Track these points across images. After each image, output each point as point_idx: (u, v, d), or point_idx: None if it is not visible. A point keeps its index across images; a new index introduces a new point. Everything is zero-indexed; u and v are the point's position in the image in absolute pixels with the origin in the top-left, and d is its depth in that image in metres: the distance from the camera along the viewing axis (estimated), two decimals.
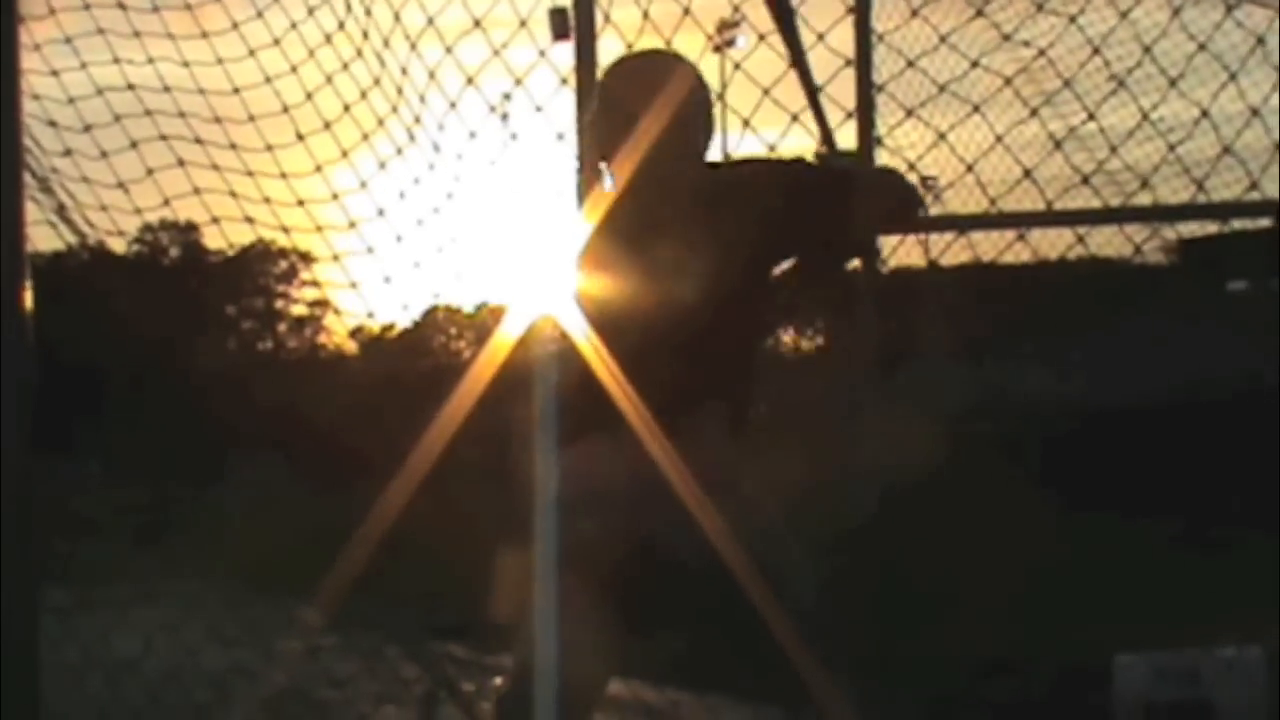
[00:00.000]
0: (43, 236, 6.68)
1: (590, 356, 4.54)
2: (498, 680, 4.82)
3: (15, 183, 3.31)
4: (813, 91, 4.81)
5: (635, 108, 4.63)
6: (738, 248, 4.52)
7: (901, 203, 4.88)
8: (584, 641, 4.51)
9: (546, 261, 4.97)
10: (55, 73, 6.40)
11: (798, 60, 4.87)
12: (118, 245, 7.34)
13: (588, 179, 5.19)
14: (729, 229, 4.51)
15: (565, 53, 6.68)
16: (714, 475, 4.49)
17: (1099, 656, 8.53)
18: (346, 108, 6.89)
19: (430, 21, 6.93)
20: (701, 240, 4.50)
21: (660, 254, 4.51)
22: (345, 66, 6.86)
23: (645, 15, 6.62)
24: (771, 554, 4.57)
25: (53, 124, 6.44)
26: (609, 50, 6.47)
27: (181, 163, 6.70)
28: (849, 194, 4.60)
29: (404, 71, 6.91)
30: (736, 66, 6.57)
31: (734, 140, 6.10)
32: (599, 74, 4.97)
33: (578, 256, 4.73)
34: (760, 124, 5.67)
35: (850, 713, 4.60)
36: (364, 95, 6.90)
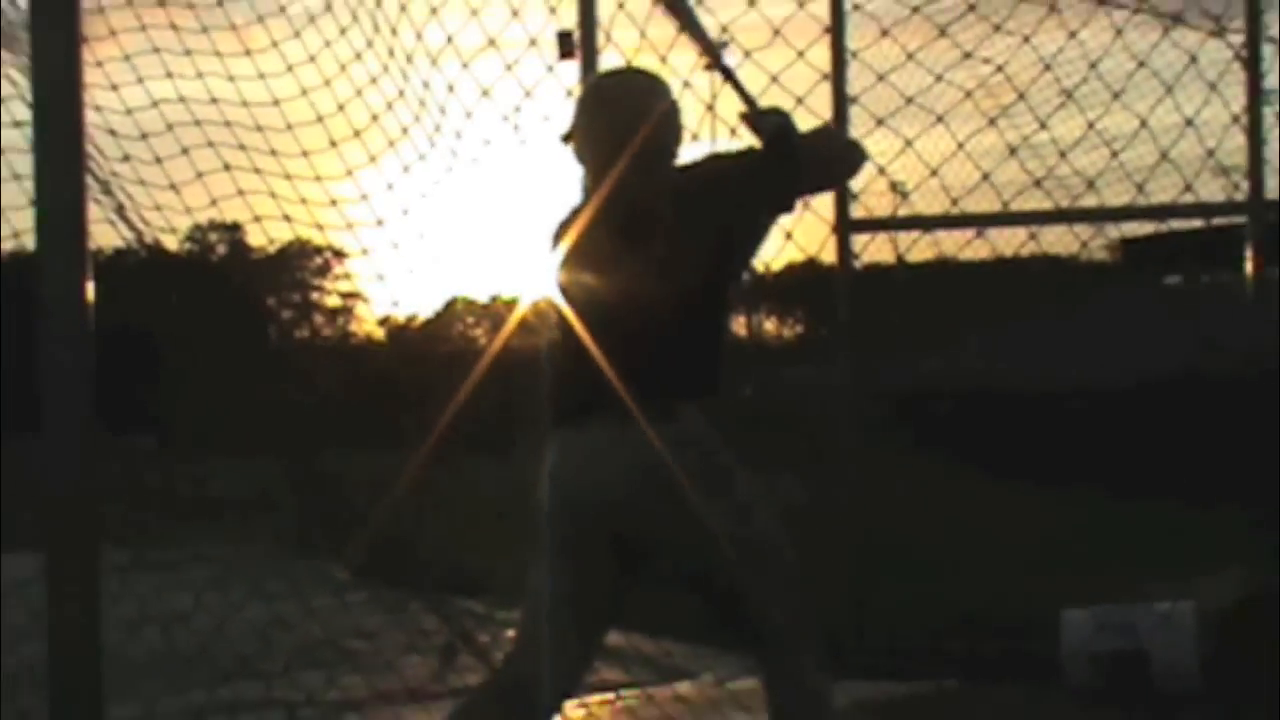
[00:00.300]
0: (104, 235, 6.67)
1: (581, 341, 4.54)
2: (510, 632, 4.79)
3: (79, 185, 3.30)
4: (727, 72, 4.78)
5: (611, 120, 4.65)
6: (704, 237, 4.52)
7: (842, 159, 4.92)
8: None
9: (550, 255, 4.96)
10: (115, 87, 6.39)
11: (707, 49, 4.83)
12: (170, 242, 7.31)
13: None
14: (696, 222, 4.51)
15: (571, 70, 6.68)
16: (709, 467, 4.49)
17: (1047, 611, 8.52)
18: (374, 117, 6.90)
19: (449, 40, 6.94)
20: (671, 234, 4.49)
21: (635, 248, 4.51)
22: (373, 81, 6.87)
23: (643, 35, 6.63)
24: (757, 536, 4.55)
25: (112, 133, 6.44)
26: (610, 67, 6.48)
27: (227, 167, 6.71)
28: (794, 168, 4.58)
29: (425, 85, 6.92)
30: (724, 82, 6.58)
31: (723, 144, 6.10)
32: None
33: (559, 250, 4.73)
34: (745, 131, 5.66)
35: (819, 664, 4.60)
36: (389, 106, 6.91)
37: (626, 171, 4.60)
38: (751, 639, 4.65)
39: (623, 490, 4.43)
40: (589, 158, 4.72)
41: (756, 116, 4.64)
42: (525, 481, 4.83)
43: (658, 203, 4.57)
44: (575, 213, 4.77)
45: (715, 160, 4.72)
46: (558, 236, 4.78)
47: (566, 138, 4.78)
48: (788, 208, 4.77)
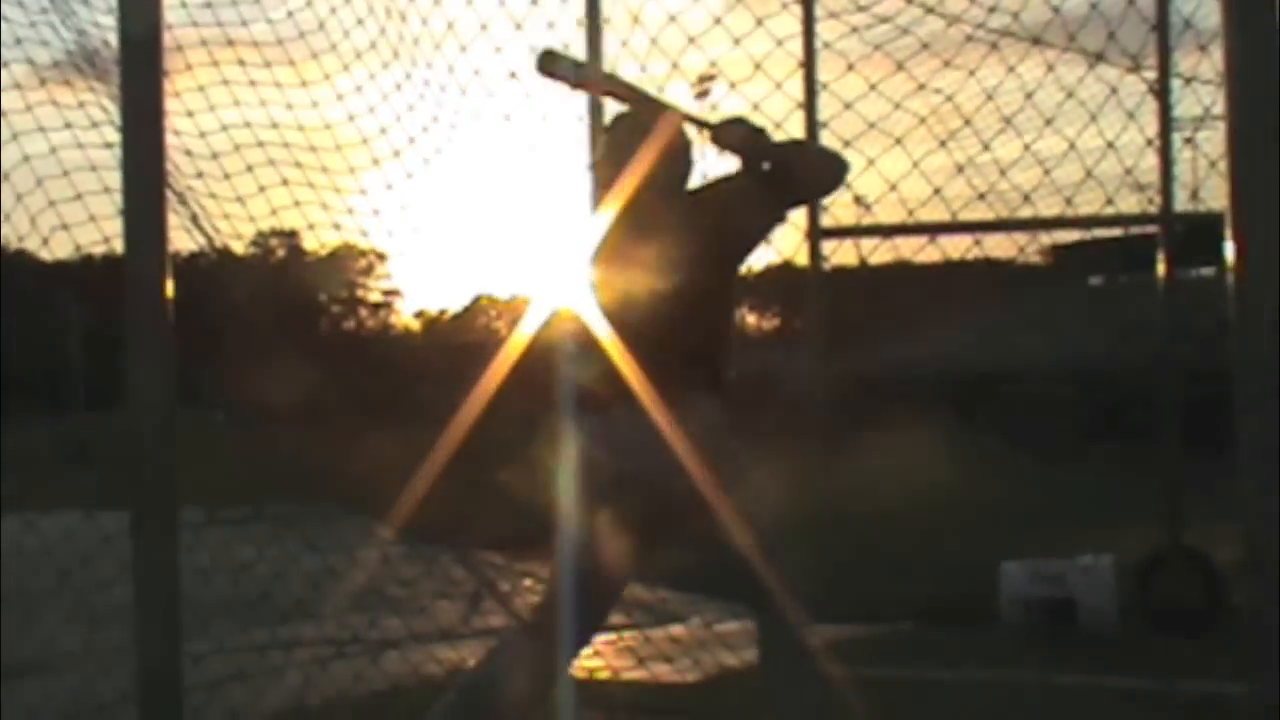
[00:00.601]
0: (180, 240, 6.69)
1: (605, 342, 4.56)
2: (527, 581, 4.79)
3: (160, 198, 3.32)
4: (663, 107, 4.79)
5: (631, 152, 4.68)
6: (709, 249, 4.54)
7: (824, 172, 4.85)
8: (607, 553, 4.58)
9: (564, 258, 4.98)
10: (190, 114, 6.41)
11: (632, 95, 4.85)
12: (237, 247, 7.32)
13: (597, 193, 5.21)
14: (701, 237, 4.53)
15: (580, 99, 6.69)
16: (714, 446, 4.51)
17: (988, 564, 8.55)
18: (411, 140, 6.91)
19: (476, 73, 6.95)
20: (683, 247, 4.51)
21: (654, 258, 4.53)
22: (410, 108, 6.88)
23: (643, 69, 6.64)
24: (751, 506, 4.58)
25: (188, 153, 6.46)
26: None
27: (285, 182, 6.72)
28: (786, 178, 4.59)
29: (455, 112, 6.94)
30: (713, 108, 6.60)
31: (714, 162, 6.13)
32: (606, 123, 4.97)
33: (590, 259, 4.76)
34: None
35: (796, 610, 4.63)
36: (425, 130, 6.92)
37: (647, 193, 4.65)
38: (750, 595, 4.68)
39: (645, 469, 4.46)
40: (612, 182, 4.76)
41: (717, 131, 4.64)
42: (545, 458, 4.86)
43: (675, 220, 4.61)
44: (599, 231, 4.82)
45: (724, 181, 4.73)
46: (588, 253, 4.82)
47: (592, 165, 4.83)
48: (784, 213, 4.81)
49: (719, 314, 4.69)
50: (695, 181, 4.79)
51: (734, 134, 4.59)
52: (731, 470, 4.54)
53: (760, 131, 4.65)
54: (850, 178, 6.55)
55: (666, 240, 4.55)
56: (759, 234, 4.76)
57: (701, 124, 4.71)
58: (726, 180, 4.71)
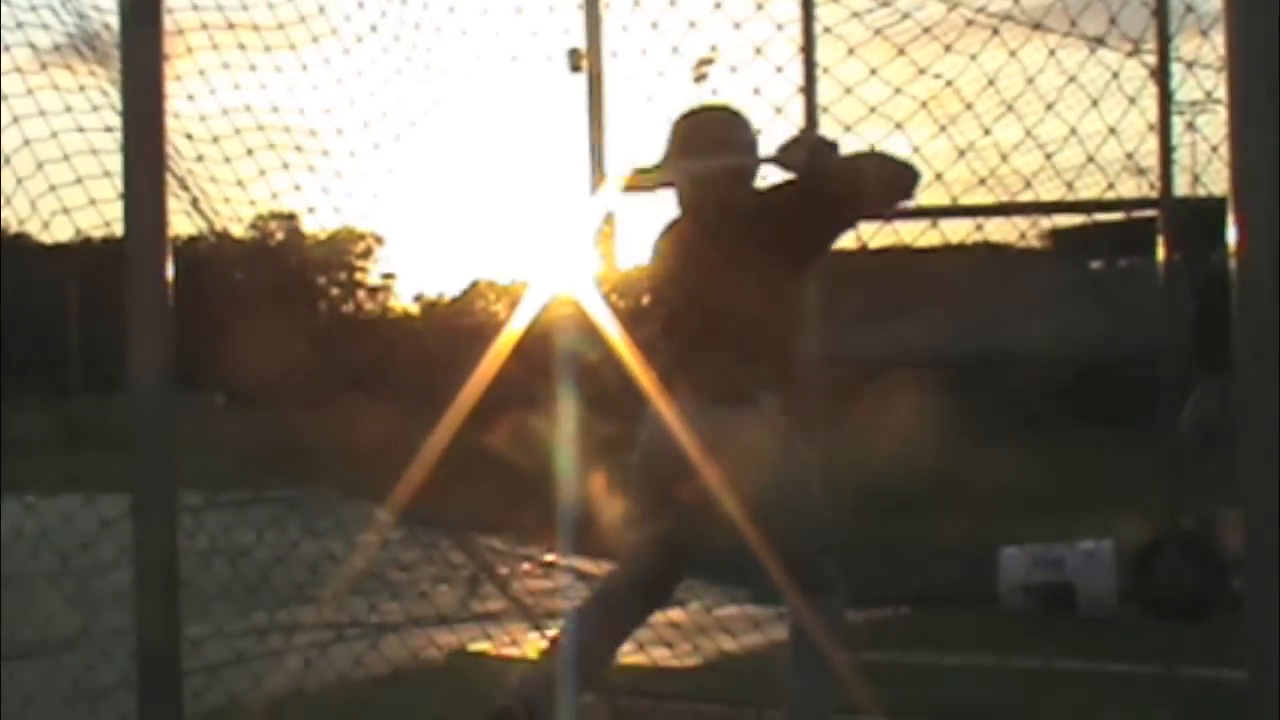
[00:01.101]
0: (181, 224, 6.69)
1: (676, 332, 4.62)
2: (525, 565, 4.83)
3: (160, 181, 3.31)
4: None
5: (700, 151, 4.71)
6: (779, 248, 4.56)
7: (892, 185, 4.81)
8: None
9: (566, 246, 4.99)
10: (191, 97, 6.41)
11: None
12: (237, 230, 7.32)
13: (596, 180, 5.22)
14: (771, 239, 4.56)
15: (580, 82, 6.68)
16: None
17: (988, 549, 8.56)
18: (413, 123, 6.90)
19: (478, 57, 6.94)
20: (753, 247, 4.54)
21: (724, 256, 4.57)
22: (411, 92, 6.88)
23: (643, 52, 6.63)
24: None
25: (189, 136, 6.45)
26: (613, 81, 6.51)
27: (286, 166, 6.71)
28: (849, 195, 4.60)
29: (457, 97, 6.94)
30: (714, 92, 6.59)
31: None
32: (674, 118, 4.97)
33: (653, 257, 4.83)
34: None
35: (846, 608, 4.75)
36: (426, 114, 6.92)
37: (719, 191, 4.68)
38: (799, 587, 4.71)
39: (702, 464, 4.50)
40: (682, 180, 4.78)
41: (782, 153, 4.66)
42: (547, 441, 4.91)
43: (744, 218, 4.63)
44: (672, 225, 4.85)
45: (789, 184, 4.73)
46: (658, 244, 4.86)
47: (663, 162, 4.83)
48: (848, 224, 4.84)
49: (782, 315, 4.70)
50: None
51: (796, 156, 4.60)
52: (794, 469, 4.60)
53: (827, 145, 4.66)
54: None
55: (731, 240, 4.59)
56: (822, 240, 4.79)
57: (767, 160, 4.73)
58: (791, 184, 4.70)
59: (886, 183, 4.73)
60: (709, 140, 4.74)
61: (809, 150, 4.59)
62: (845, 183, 4.57)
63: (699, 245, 4.67)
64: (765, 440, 4.50)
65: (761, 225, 4.59)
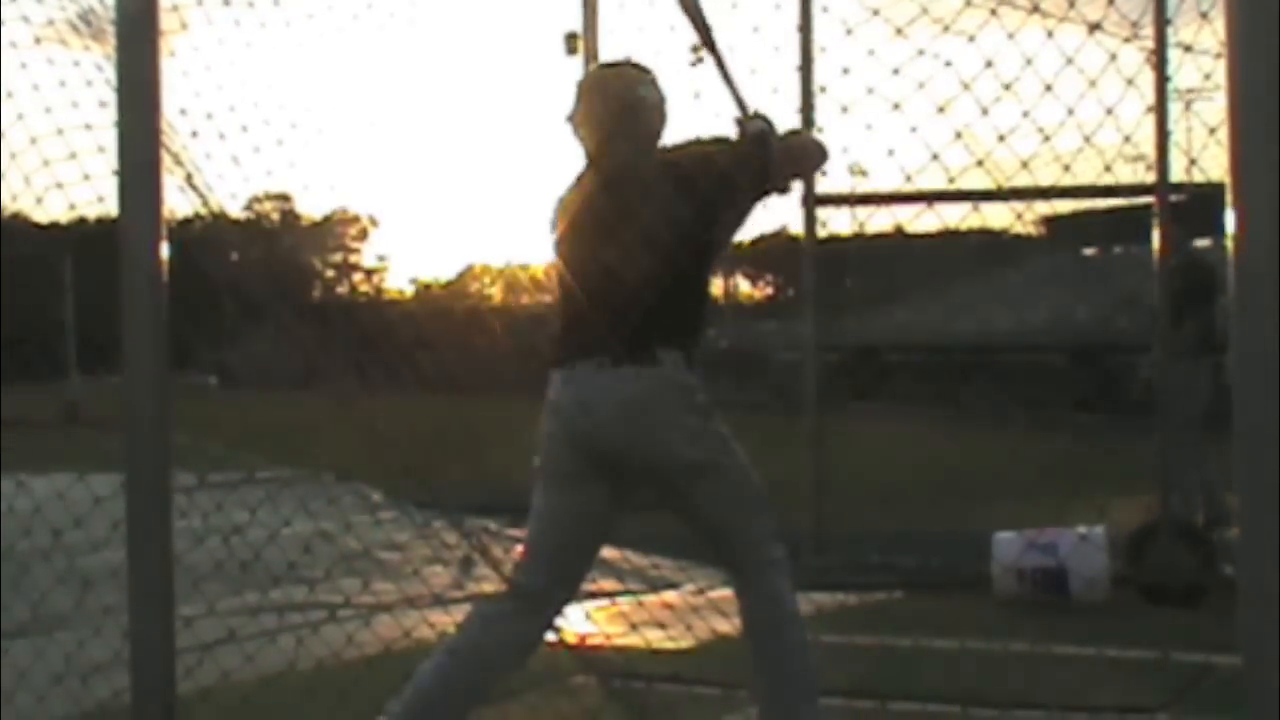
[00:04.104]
0: (175, 204, 6.66)
1: (577, 294, 4.58)
2: (519, 548, 4.82)
3: (155, 157, 3.30)
4: (726, 73, 4.77)
5: (607, 105, 4.71)
6: (685, 209, 4.53)
7: (808, 158, 4.96)
8: None
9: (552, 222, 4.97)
10: (185, 73, 6.38)
11: (711, 48, 4.82)
12: (232, 209, 7.31)
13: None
14: (674, 204, 4.53)
15: (576, 65, 6.67)
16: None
17: (981, 533, 8.56)
18: (413, 104, 6.88)
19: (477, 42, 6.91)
20: (654, 212, 4.51)
21: (627, 216, 4.53)
22: (406, 71, 6.86)
23: (640, 30, 6.62)
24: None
25: (183, 112, 6.42)
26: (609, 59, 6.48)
27: (281, 143, 6.69)
28: (762, 163, 4.60)
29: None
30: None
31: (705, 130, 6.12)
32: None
33: (560, 216, 4.79)
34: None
35: (785, 577, 4.65)
36: (426, 95, 6.89)
37: (620, 150, 4.66)
38: (726, 555, 4.69)
39: (611, 423, 4.46)
40: (587, 137, 4.78)
41: (745, 121, 4.66)
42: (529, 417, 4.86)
43: (647, 177, 4.60)
44: (574, 185, 4.82)
45: (698, 145, 4.73)
46: (560, 206, 4.82)
47: (569, 119, 4.83)
48: (762, 195, 4.78)
49: (694, 272, 4.66)
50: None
51: (755, 126, 4.62)
52: (703, 424, 4.54)
53: (776, 135, 4.68)
54: (849, 141, 6.53)
55: (631, 198, 4.56)
56: (731, 206, 4.73)
57: (738, 97, 4.72)
58: (705, 142, 4.71)
59: (809, 158, 4.89)
60: (612, 97, 4.75)
61: (765, 122, 4.62)
62: (784, 150, 4.61)
63: (599, 203, 4.63)
64: (670, 397, 4.46)
65: (664, 184, 4.56)
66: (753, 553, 4.59)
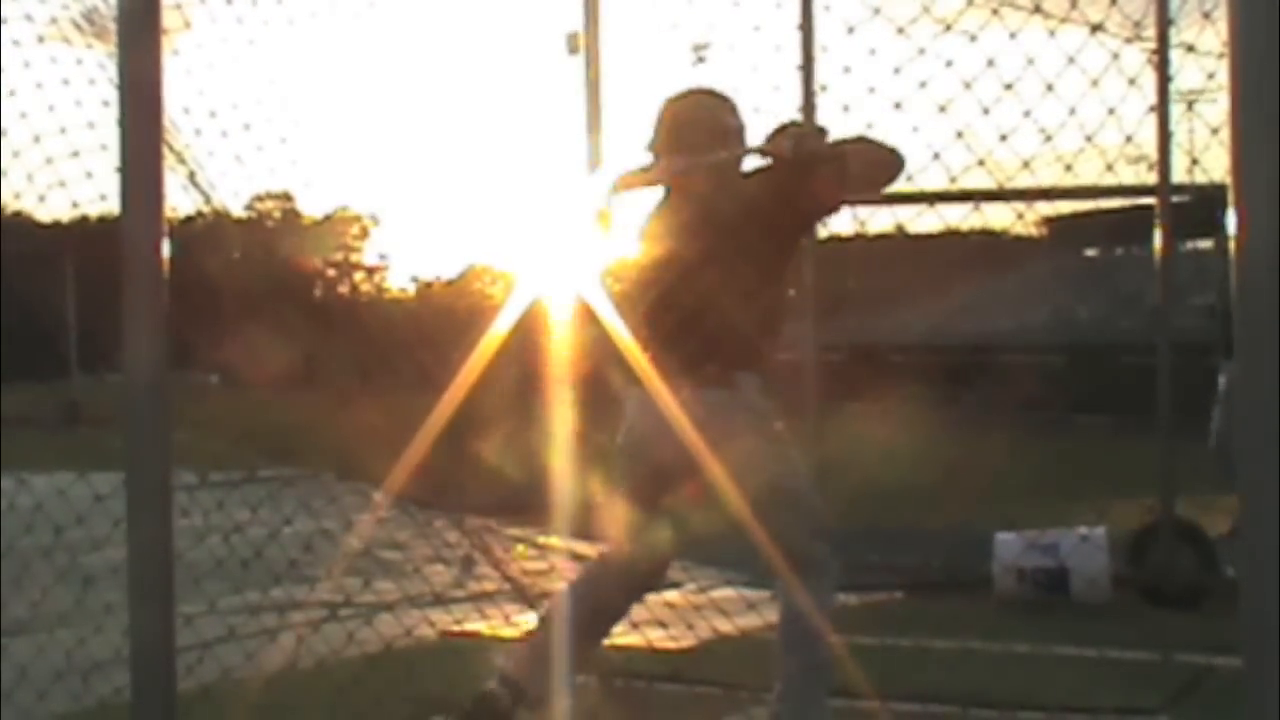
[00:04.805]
0: (176, 200, 6.68)
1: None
2: (519, 547, 4.87)
3: (157, 155, 3.29)
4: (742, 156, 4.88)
5: (694, 138, 4.75)
6: (762, 236, 4.64)
7: (877, 170, 4.87)
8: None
9: (563, 230, 5.00)
10: (188, 71, 6.39)
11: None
12: (233, 207, 7.31)
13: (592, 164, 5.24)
14: (758, 224, 4.63)
15: (578, 64, 6.67)
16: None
17: (982, 533, 8.56)
18: (415, 101, 6.90)
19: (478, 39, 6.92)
20: (741, 231, 4.58)
21: (708, 242, 4.60)
22: (410, 70, 6.87)
23: (641, 28, 6.63)
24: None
25: (186, 110, 6.43)
26: (612, 64, 6.50)
27: (283, 140, 6.69)
28: (834, 181, 4.64)
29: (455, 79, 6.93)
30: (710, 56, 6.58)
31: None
32: (665, 101, 4.98)
33: (641, 240, 4.85)
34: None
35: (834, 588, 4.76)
36: (427, 92, 6.91)
37: (715, 181, 4.71)
38: (787, 567, 4.73)
39: (680, 445, 4.52)
40: (669, 166, 4.82)
41: (769, 144, 4.70)
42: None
43: (727, 204, 4.66)
44: (660, 208, 4.88)
45: (768, 170, 4.76)
46: (647, 228, 4.88)
47: (649, 147, 4.87)
48: (832, 209, 4.87)
49: (767, 298, 4.72)
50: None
51: (781, 146, 4.65)
52: (775, 448, 4.63)
53: (815, 132, 4.70)
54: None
55: (722, 225, 4.62)
56: (804, 224, 4.86)
57: (753, 151, 4.76)
58: (770, 170, 4.73)
59: (871, 167, 4.80)
60: (699, 127, 4.79)
61: (794, 139, 4.63)
62: (831, 169, 4.60)
63: (690, 229, 4.70)
64: (745, 421, 4.55)
65: (749, 210, 4.62)
66: (803, 557, 4.68)
